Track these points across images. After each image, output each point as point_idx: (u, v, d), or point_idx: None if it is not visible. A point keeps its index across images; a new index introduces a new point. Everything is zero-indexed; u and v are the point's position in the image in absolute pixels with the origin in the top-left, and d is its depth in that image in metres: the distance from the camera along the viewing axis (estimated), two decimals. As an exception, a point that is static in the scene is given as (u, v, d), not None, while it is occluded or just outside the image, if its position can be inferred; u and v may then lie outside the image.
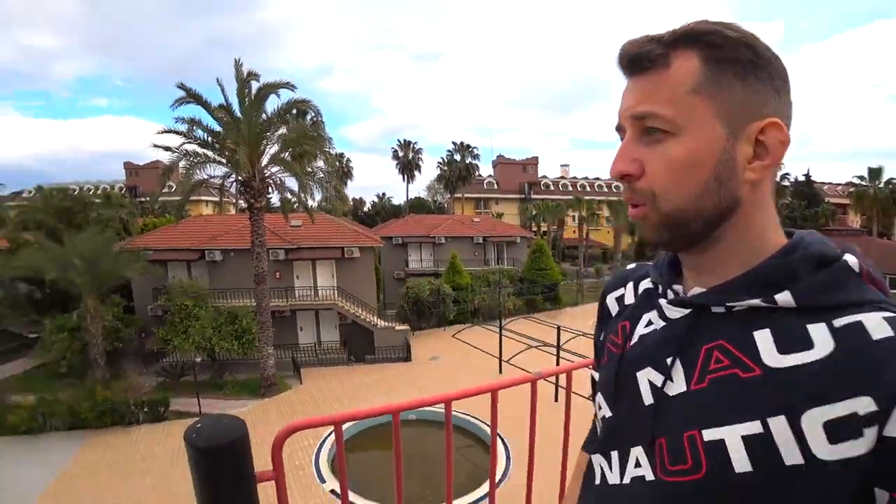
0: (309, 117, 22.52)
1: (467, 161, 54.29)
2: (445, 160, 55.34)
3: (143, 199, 43.94)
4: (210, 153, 18.19)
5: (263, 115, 17.89)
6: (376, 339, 23.30)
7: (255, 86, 17.50)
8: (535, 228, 54.99)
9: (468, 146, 54.81)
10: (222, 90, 17.14)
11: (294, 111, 19.50)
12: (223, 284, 23.20)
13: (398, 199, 75.39)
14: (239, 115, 17.49)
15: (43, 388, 18.71)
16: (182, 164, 17.95)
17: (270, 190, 20.09)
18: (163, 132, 17.43)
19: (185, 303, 21.07)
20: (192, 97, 16.73)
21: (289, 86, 17.55)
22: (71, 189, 30.09)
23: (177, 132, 17.51)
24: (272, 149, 18.90)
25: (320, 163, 20.22)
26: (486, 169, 62.34)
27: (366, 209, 74.88)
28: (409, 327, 25.35)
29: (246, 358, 20.76)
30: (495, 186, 61.83)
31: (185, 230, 24.54)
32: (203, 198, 46.23)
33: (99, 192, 36.16)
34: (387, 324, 24.25)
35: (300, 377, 20.55)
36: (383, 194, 76.16)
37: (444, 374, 20.53)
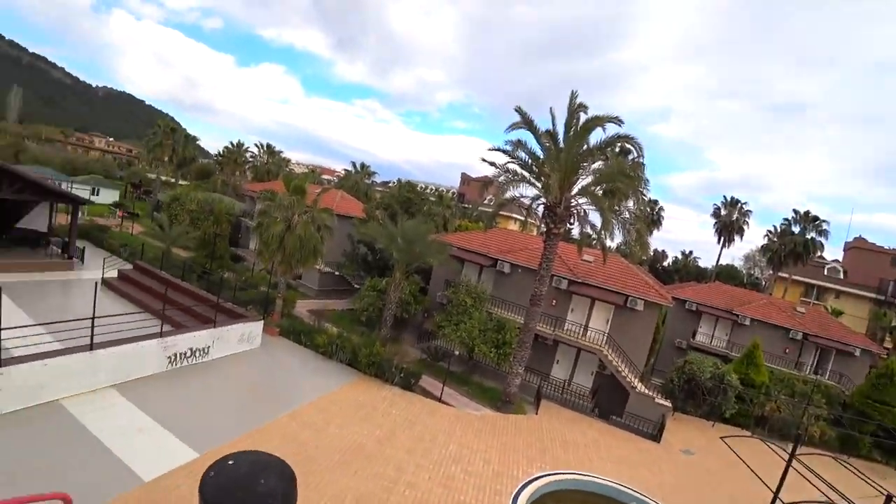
0: (630, 157, 21.54)
1: (808, 236, 43.79)
2: (778, 229, 45.97)
3: (466, 206, 51.03)
4: (526, 174, 19.26)
5: (584, 146, 17.89)
6: (630, 402, 20.74)
7: (583, 118, 17.62)
8: (890, 345, 40.47)
9: (814, 218, 44.19)
10: (552, 119, 17.96)
11: (617, 147, 18.90)
12: (502, 295, 24.38)
13: (706, 261, 67.17)
14: (561, 143, 17.97)
15: (345, 326, 23.20)
16: (501, 179, 19.48)
17: (572, 220, 19.98)
18: (492, 149, 19.29)
19: (465, 300, 22.85)
20: (525, 121, 18.10)
21: (616, 120, 17.09)
22: (417, 186, 36.99)
23: (503, 151, 19.13)
24: (584, 180, 18.81)
25: (630, 204, 19.00)
26: (831, 252, 49.08)
27: (665, 263, 69.26)
28: (672, 405, 21.73)
29: (498, 368, 21.26)
30: (840, 275, 48.10)
31: (487, 238, 26.81)
32: (513, 215, 50.29)
33: (436, 192, 43.55)
34: (647, 392, 21.28)
35: (538, 407, 19.87)
36: (689, 252, 68.79)
37: (691, 476, 16.82)
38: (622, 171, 18.46)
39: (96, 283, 16.68)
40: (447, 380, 19.17)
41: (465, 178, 73.38)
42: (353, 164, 56.05)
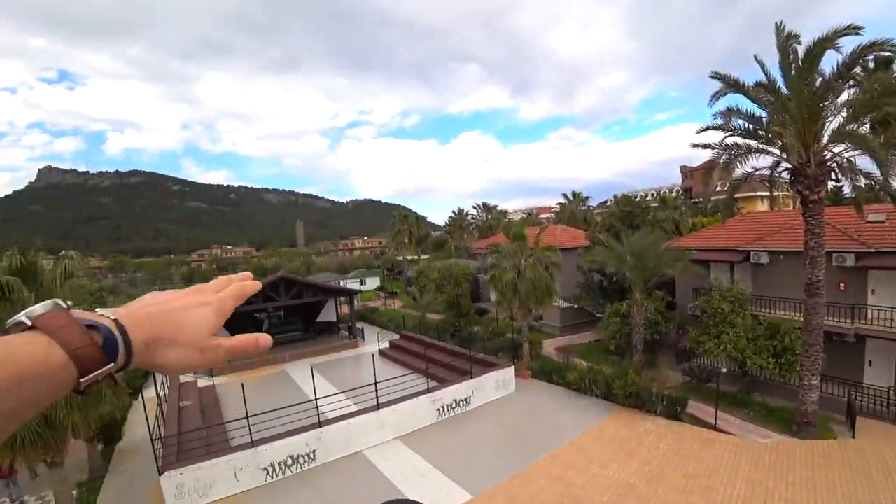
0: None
1: None
2: None
3: (696, 200, 45.15)
4: (752, 143, 16.27)
5: (818, 80, 14.30)
6: None
7: (800, 51, 14.24)
8: None
9: None
10: (761, 66, 14.93)
11: (870, 59, 14.58)
12: (767, 291, 20.46)
13: None
14: (784, 90, 14.73)
15: (594, 359, 22.41)
16: (723, 159, 16.95)
17: (833, 176, 15.92)
18: (700, 131, 17.01)
19: (721, 306, 19.92)
20: (728, 84, 15.41)
21: (852, 30, 13.15)
22: (634, 196, 34.61)
23: (715, 127, 16.66)
24: (834, 121, 14.87)
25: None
26: None
27: None
28: None
29: (783, 381, 17.54)
30: None
31: (730, 229, 23.23)
32: (758, 193, 42.33)
33: (658, 196, 39.85)
34: None
35: (853, 428, 15.36)
36: None
37: None
38: (888, 89, 14.03)
39: (373, 355, 20.14)
40: (720, 403, 16.57)
41: (686, 171, 65.63)
42: (565, 196, 56.15)
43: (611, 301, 26.44)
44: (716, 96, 15.96)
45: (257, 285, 0.88)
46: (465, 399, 18.86)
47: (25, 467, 15.08)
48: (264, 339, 0.81)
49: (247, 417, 14.18)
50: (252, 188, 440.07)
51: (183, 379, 22.87)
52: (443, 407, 18.16)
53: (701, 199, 39.83)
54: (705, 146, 17.16)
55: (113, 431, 18.36)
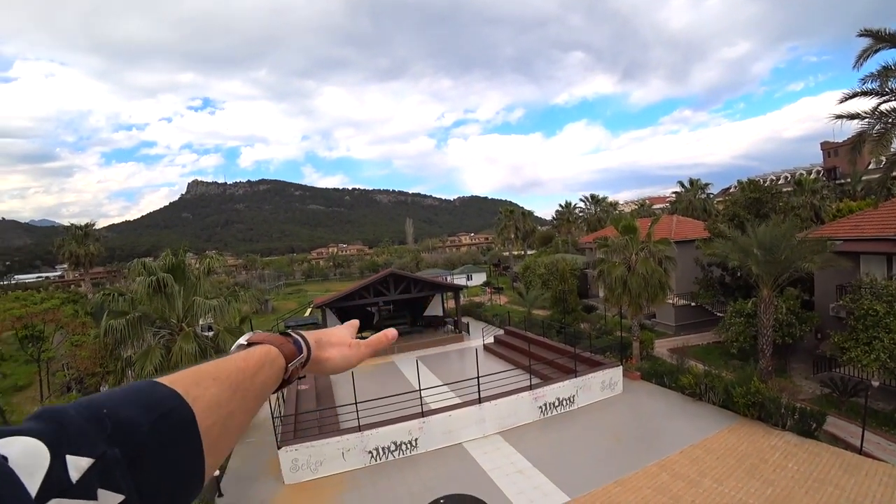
0: None
1: None
2: None
3: (842, 182, 38.89)
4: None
5: None
6: None
7: None
8: None
9: None
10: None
11: None
12: (936, 290, 17.24)
13: None
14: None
15: (713, 362, 20.52)
16: (875, 129, 14.59)
17: None
18: (845, 98, 14.77)
19: (874, 307, 17.18)
20: (880, 39, 13.12)
21: None
22: (762, 180, 30.86)
23: (865, 93, 14.36)
24: None
25: None
26: None
27: None
28: None
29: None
30: None
31: (886, 215, 19.93)
32: None
33: (792, 179, 35.09)
34: None
35: None
36: None
37: None
38: None
39: (477, 349, 20.29)
40: (868, 422, 14.22)
41: (829, 148, 56.84)
42: (681, 184, 51.79)
43: (733, 299, 24.02)
44: (863, 56, 13.75)
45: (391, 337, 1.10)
46: (569, 398, 18.29)
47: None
48: (392, 333, 1.09)
49: (356, 403, 15.06)
50: (364, 190, 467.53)
51: (302, 365, 24.84)
52: (545, 405, 17.78)
53: (848, 180, 34.21)
54: (852, 116, 14.90)
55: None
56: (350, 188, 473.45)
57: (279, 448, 14.62)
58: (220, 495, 14.78)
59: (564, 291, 31.55)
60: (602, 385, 19.13)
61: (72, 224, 54.30)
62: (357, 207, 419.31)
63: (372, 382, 20.51)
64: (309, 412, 17.15)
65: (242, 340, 0.83)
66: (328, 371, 1.00)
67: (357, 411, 15.13)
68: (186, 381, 0.60)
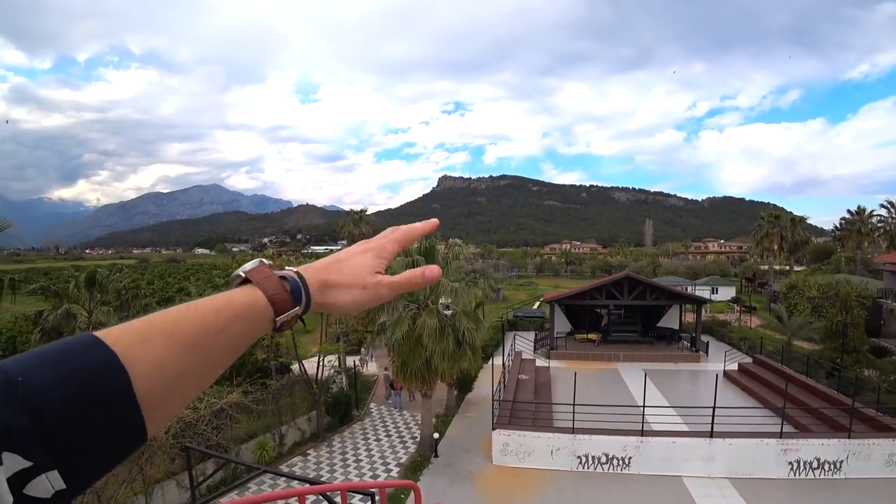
0: None
1: None
2: None
3: None
4: None
5: None
6: None
7: None
8: None
9: None
10: None
11: None
12: None
13: None
14: None
15: None
16: None
17: None
18: None
19: None
20: None
21: None
22: None
23: None
24: None
25: None
26: None
27: None
28: None
29: None
30: None
31: None
32: None
33: None
34: None
35: None
36: None
37: None
38: None
39: (716, 375, 17.98)
40: None
41: None
42: None
43: None
44: None
45: (430, 224, 0.96)
46: (835, 463, 14.68)
47: (407, 390, 19.97)
48: (431, 270, 0.86)
49: (573, 405, 14.96)
50: (602, 187, 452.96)
51: (525, 356, 25.75)
52: (798, 462, 14.65)
53: None
54: None
55: (467, 384, 22.54)
56: (587, 185, 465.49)
57: (493, 429, 15.55)
58: (436, 456, 16.56)
59: (845, 323, 25.23)
60: (889, 459, 14.81)
61: (351, 210, 70.63)
62: (593, 205, 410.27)
63: (592, 386, 20.06)
64: (525, 402, 17.71)
65: (241, 272, 0.73)
66: (340, 311, 0.85)
67: (574, 413, 15.01)
68: (133, 337, 0.56)
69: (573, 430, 14.99)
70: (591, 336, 29.63)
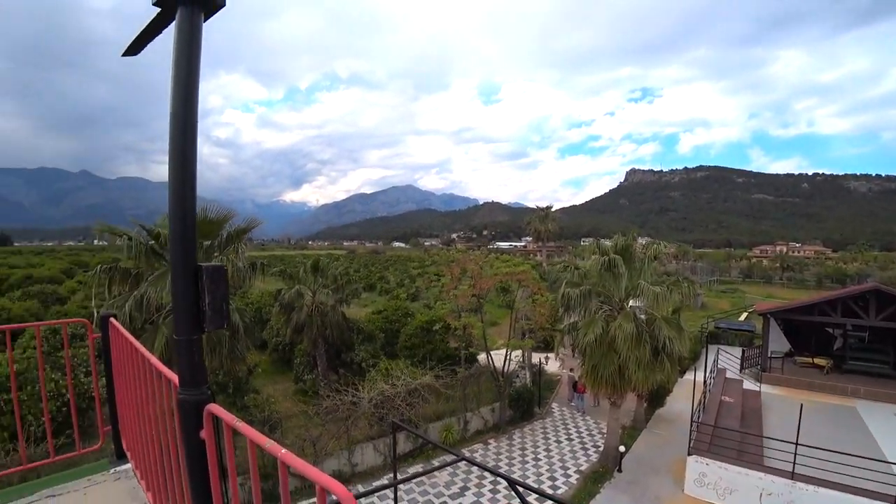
0: None
1: None
2: None
3: None
4: None
5: None
6: None
7: None
8: None
9: None
10: None
11: None
12: None
13: None
14: None
15: None
16: None
17: None
18: None
19: None
20: None
21: None
22: None
23: None
24: None
25: None
26: None
27: None
28: None
29: None
30: None
31: None
32: None
33: None
34: None
35: None
36: None
37: None
38: None
39: None
40: None
41: None
42: None
43: None
44: None
45: None
46: None
47: (593, 395, 19.22)
48: None
49: (795, 444, 12.57)
50: (831, 175, 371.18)
51: (730, 375, 22.73)
52: None
53: None
54: None
55: (660, 397, 20.76)
56: (809, 173, 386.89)
57: (689, 454, 13.97)
58: (620, 471, 15.55)
59: None
60: None
61: (537, 206, 69.81)
62: (818, 198, 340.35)
63: (818, 423, 16.78)
64: (730, 430, 15.51)
65: None
66: None
67: (795, 455, 12.60)
68: None
69: (793, 476, 12.59)
70: (819, 361, 24.61)
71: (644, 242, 18.22)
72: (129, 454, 3.42)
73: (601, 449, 17.23)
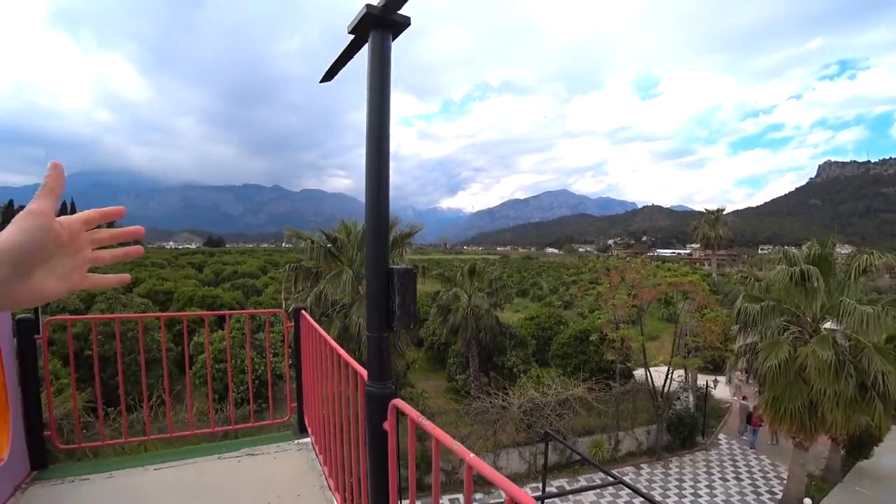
0: None
1: None
2: None
3: None
4: None
5: None
6: None
7: None
8: None
9: None
10: None
11: None
12: None
13: None
14: None
15: None
16: None
17: None
18: None
19: None
20: None
21: None
22: None
23: None
24: None
25: None
26: None
27: None
28: None
29: None
30: None
31: None
32: None
33: None
34: None
35: None
36: None
37: None
38: None
39: None
40: None
41: None
42: None
43: None
44: None
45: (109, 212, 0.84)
46: None
47: (771, 431, 16.62)
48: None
49: None
50: None
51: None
52: None
53: None
54: None
55: (865, 446, 16.90)
56: None
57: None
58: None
59: None
60: None
61: (705, 210, 61.29)
62: None
63: None
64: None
65: None
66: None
67: None
68: None
69: None
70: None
71: (849, 252, 15.19)
72: (309, 430, 3.91)
73: (778, 497, 14.82)
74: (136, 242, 0.92)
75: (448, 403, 19.65)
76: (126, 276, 0.94)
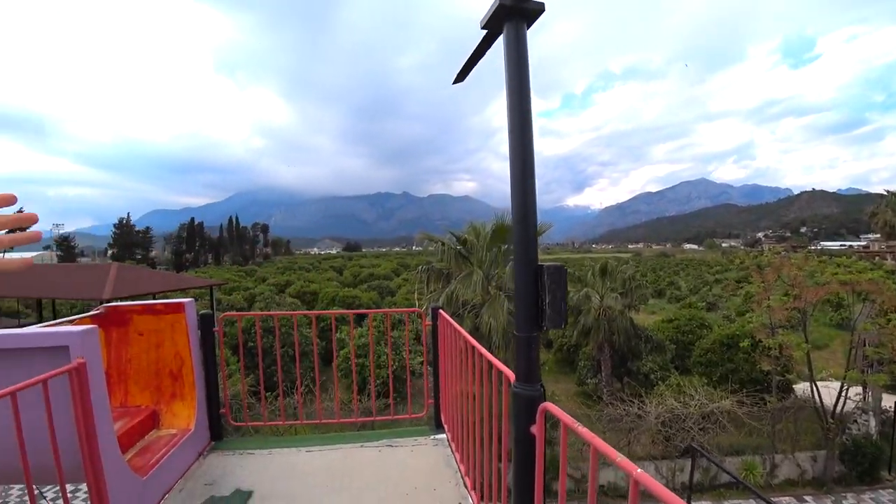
0: None
1: None
2: None
3: None
4: None
5: None
6: None
7: None
8: None
9: None
10: None
11: None
12: None
13: None
14: None
15: None
16: None
17: None
18: None
19: None
20: None
21: None
22: None
23: None
24: None
25: None
26: None
27: None
28: None
29: None
30: None
31: None
32: None
33: None
34: None
35: None
36: None
37: None
38: None
39: None
40: None
41: None
42: None
43: None
44: None
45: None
46: None
47: None
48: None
49: None
50: None
51: None
52: None
53: None
54: None
55: None
56: None
57: None
58: None
59: None
60: None
61: (886, 191, 50.05)
62: None
63: None
64: None
65: None
66: None
67: None
68: None
69: None
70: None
71: None
72: (445, 426, 4.00)
73: None
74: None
75: (579, 408, 18.99)
76: (29, 259, 1.07)
